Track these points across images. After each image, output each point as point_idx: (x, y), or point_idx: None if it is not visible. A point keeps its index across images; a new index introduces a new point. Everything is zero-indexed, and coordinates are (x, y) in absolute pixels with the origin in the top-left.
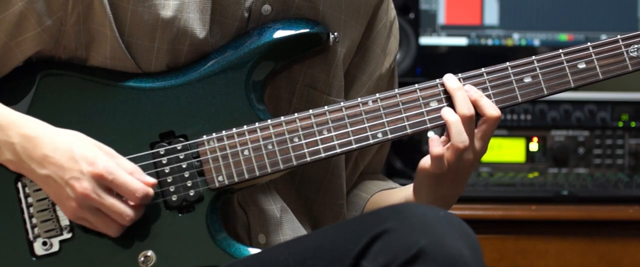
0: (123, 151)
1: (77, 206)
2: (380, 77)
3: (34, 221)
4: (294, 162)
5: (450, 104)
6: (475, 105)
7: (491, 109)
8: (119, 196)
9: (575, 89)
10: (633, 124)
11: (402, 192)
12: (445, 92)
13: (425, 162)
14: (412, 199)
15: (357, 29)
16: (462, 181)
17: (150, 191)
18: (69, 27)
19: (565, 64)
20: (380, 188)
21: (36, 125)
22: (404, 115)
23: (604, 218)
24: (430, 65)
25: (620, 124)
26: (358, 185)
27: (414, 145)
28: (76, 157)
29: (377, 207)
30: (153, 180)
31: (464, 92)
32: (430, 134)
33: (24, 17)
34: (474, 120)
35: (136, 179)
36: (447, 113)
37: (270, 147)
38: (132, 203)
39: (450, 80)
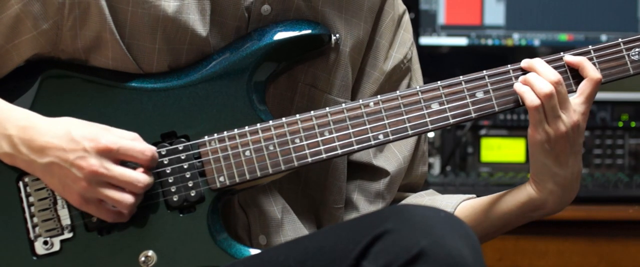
0: None
1: (87, 184)
2: (394, 71)
3: (35, 220)
4: (295, 163)
5: (452, 105)
6: (578, 67)
7: (593, 71)
8: (126, 166)
9: (576, 91)
10: (633, 124)
11: (508, 195)
12: (447, 94)
13: (535, 131)
14: (535, 194)
15: (361, 27)
16: (578, 153)
17: (156, 153)
18: (66, 32)
19: (567, 67)
20: (460, 199)
21: (32, 116)
22: (405, 116)
23: (604, 218)
24: (430, 65)
25: (620, 124)
26: (416, 200)
27: None
28: (76, 138)
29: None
30: (152, 147)
31: (542, 61)
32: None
33: (19, 20)
34: (563, 83)
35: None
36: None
37: (271, 148)
38: (140, 169)
39: (523, 61)
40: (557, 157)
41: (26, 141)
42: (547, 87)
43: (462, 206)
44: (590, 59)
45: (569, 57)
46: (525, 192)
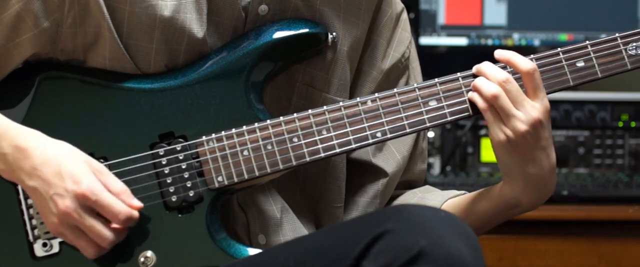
0: (122, 152)
1: (59, 221)
2: (391, 70)
3: (34, 222)
4: (294, 162)
5: (450, 103)
6: (510, 65)
7: (523, 64)
8: (102, 218)
9: (574, 87)
10: (633, 124)
11: (485, 194)
12: (444, 91)
13: (494, 133)
14: (507, 194)
15: (359, 26)
16: (546, 148)
17: (135, 214)
18: (66, 29)
19: (564, 63)
20: (445, 198)
21: (29, 135)
22: (403, 114)
23: (604, 218)
24: (430, 65)
25: (620, 124)
26: (408, 198)
27: None
28: (62, 173)
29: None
30: (139, 203)
31: (489, 63)
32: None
33: (20, 19)
34: (512, 81)
35: (121, 201)
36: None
37: (269, 147)
38: (114, 226)
39: (474, 67)
40: (522, 155)
41: (18, 161)
42: (493, 88)
43: (447, 204)
44: (587, 54)
45: (498, 53)
46: (498, 191)
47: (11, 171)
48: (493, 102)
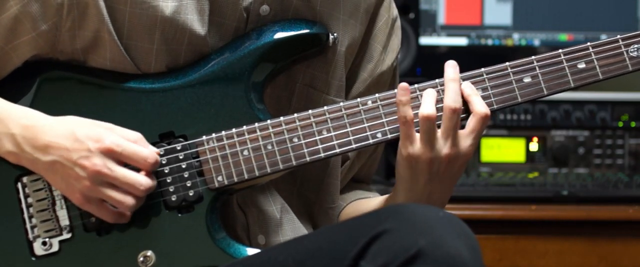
0: None
1: (90, 184)
2: (382, 75)
3: (34, 221)
4: (294, 163)
5: None
6: (467, 101)
7: (479, 106)
8: (129, 168)
9: (575, 89)
10: (633, 124)
11: (378, 200)
12: (443, 91)
13: (402, 146)
14: (390, 202)
15: (357, 27)
16: (443, 182)
17: (158, 156)
18: (64, 32)
19: (565, 64)
20: (357, 197)
21: (35, 115)
22: None
23: (604, 218)
24: (430, 65)
25: (620, 124)
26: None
27: None
28: (80, 138)
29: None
30: (155, 149)
31: (457, 85)
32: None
33: (18, 22)
34: (459, 114)
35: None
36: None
37: (269, 147)
38: (143, 172)
39: (449, 69)
40: (415, 175)
41: (29, 140)
42: (432, 111)
43: (353, 204)
44: (589, 56)
45: (464, 86)
46: (383, 200)
47: (20, 152)
48: (422, 121)
